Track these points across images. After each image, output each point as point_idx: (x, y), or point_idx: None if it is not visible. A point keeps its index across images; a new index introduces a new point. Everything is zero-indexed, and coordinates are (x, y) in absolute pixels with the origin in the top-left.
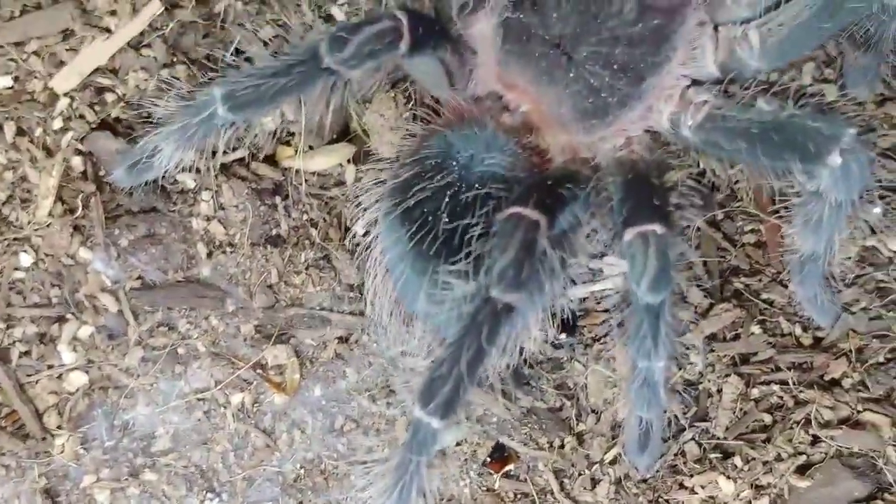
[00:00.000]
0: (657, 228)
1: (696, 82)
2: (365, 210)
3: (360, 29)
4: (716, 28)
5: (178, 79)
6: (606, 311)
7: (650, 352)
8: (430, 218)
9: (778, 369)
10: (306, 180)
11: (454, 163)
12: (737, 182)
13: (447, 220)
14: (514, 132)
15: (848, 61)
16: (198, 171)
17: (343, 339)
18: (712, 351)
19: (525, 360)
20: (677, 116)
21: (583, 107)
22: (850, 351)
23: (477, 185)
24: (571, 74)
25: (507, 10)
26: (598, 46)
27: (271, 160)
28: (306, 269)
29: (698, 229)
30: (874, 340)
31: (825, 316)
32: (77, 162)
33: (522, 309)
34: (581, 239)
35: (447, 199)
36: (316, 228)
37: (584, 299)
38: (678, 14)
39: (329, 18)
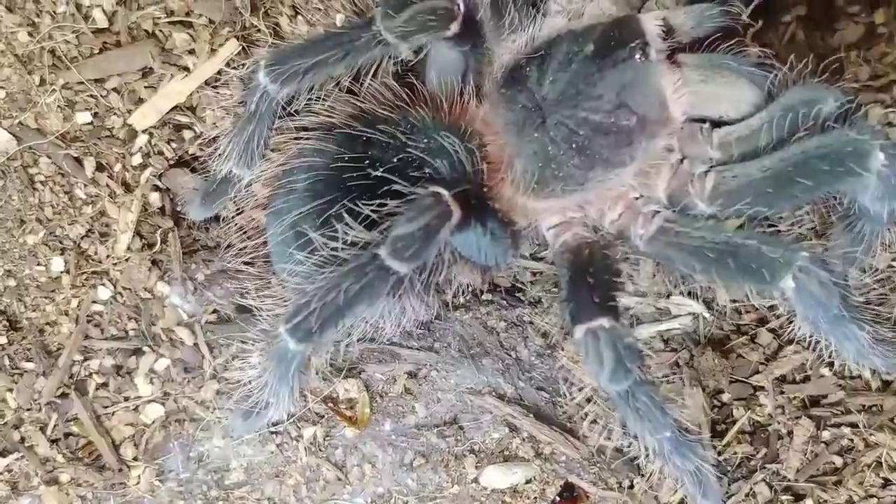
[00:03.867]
0: (604, 323)
1: (644, 196)
2: None
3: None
4: (682, 159)
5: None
6: (674, 350)
7: (647, 430)
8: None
9: (848, 412)
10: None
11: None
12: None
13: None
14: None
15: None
16: None
17: (412, 375)
18: (782, 393)
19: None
20: (625, 225)
21: (533, 168)
22: None
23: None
24: (536, 135)
25: (522, 55)
26: (567, 120)
27: None
28: None
29: None
30: None
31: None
32: (155, 198)
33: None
34: (452, 274)
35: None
36: None
37: (651, 339)
38: (650, 127)
39: None
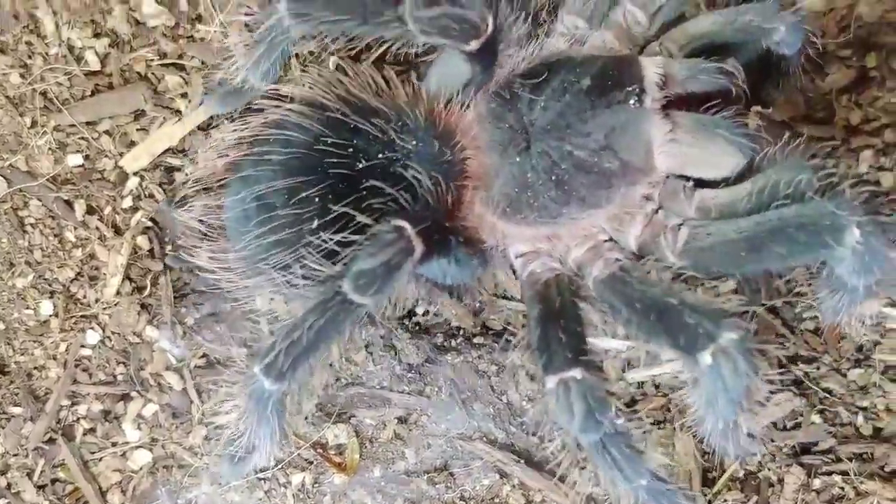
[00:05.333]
0: (577, 374)
1: (613, 240)
2: None
3: (453, 5)
4: (657, 209)
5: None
6: (664, 395)
7: (619, 479)
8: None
9: (839, 459)
10: None
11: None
12: (795, 268)
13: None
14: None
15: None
16: None
17: (402, 420)
18: (773, 440)
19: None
20: (585, 263)
21: (509, 192)
22: None
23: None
24: (518, 159)
25: (517, 72)
26: (552, 150)
27: None
28: (367, 346)
29: (756, 315)
30: None
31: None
32: (145, 240)
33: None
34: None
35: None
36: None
37: (643, 383)
38: (632, 174)
39: None
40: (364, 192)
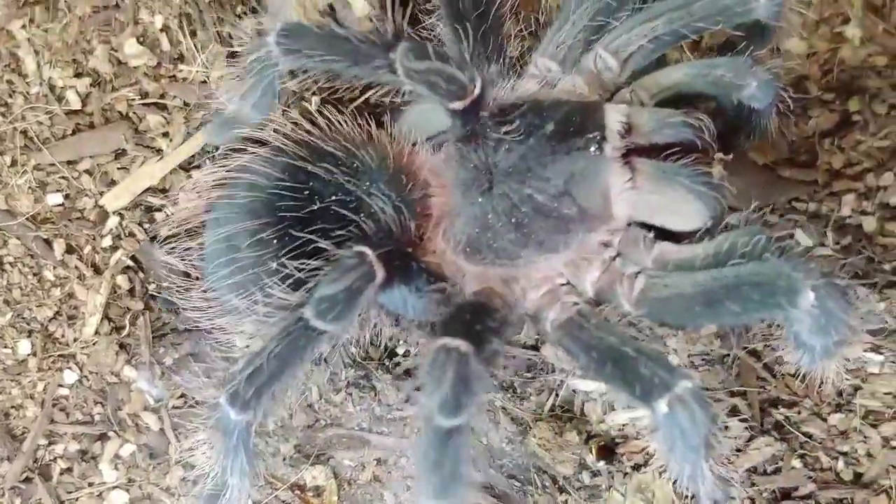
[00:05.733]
0: (462, 346)
1: (571, 284)
2: None
3: (442, 61)
4: (616, 257)
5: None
6: (646, 438)
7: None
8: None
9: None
10: None
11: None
12: (752, 323)
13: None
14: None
15: None
16: None
17: (381, 462)
18: (753, 485)
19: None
20: (542, 307)
21: (470, 232)
22: (891, 487)
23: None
24: (480, 199)
25: (486, 115)
26: (513, 193)
27: None
28: (346, 387)
29: (738, 359)
30: None
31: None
32: (125, 279)
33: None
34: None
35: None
36: (357, 347)
37: (624, 426)
38: (590, 221)
39: None
40: (318, 231)
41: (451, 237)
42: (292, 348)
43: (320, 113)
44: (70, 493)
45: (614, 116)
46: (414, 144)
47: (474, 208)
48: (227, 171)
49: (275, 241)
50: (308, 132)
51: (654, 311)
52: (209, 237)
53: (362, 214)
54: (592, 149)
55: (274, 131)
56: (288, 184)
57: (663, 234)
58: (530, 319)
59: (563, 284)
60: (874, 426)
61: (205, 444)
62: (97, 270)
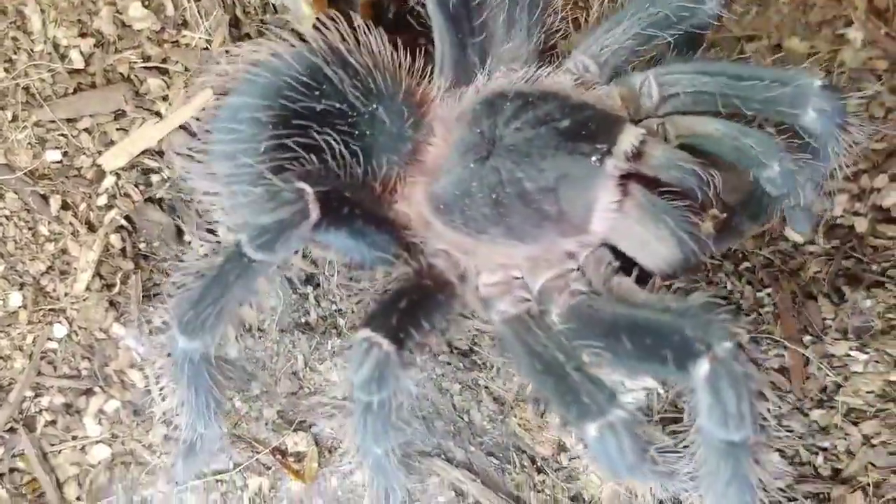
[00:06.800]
0: (384, 343)
1: (524, 280)
2: None
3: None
4: (574, 270)
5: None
6: None
7: (368, 441)
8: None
9: (794, 499)
10: (338, 271)
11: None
12: (763, 306)
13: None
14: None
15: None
16: None
17: (362, 448)
18: None
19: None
20: (492, 296)
21: (451, 192)
22: (868, 484)
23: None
24: (472, 165)
25: (514, 87)
26: (504, 170)
27: (306, 250)
28: (332, 357)
29: None
30: (892, 475)
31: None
32: (118, 239)
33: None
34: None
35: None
36: (344, 318)
37: None
38: (565, 226)
39: None
40: (305, 129)
41: (432, 191)
42: (228, 276)
43: (360, 27)
44: (53, 445)
45: (629, 138)
46: (438, 91)
47: (464, 171)
48: (264, 52)
49: (270, 127)
50: (342, 38)
51: (570, 326)
52: (224, 103)
53: (346, 141)
54: (594, 158)
55: (314, 27)
56: (303, 78)
57: (624, 262)
58: (480, 303)
59: (516, 278)
60: (855, 424)
61: (170, 385)
62: (91, 228)
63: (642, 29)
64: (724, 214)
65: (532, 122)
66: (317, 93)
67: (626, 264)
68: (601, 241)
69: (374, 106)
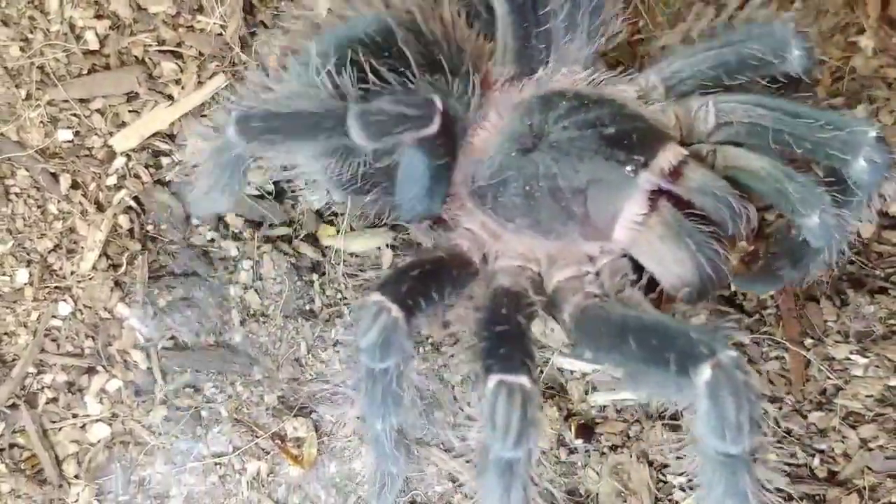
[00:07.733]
0: (393, 309)
1: (540, 277)
2: None
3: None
4: (592, 274)
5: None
6: (625, 420)
7: (375, 413)
8: None
9: (790, 499)
10: (344, 261)
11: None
12: (765, 308)
13: None
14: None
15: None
16: (242, 240)
17: (362, 418)
18: None
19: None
20: (509, 284)
21: (488, 179)
22: (864, 488)
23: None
24: (513, 155)
25: (575, 87)
26: (542, 165)
27: (313, 238)
28: (334, 345)
29: None
30: (888, 480)
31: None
32: (126, 220)
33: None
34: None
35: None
36: (348, 307)
37: (605, 407)
38: (588, 229)
39: None
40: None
41: (473, 172)
42: (315, 122)
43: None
44: (54, 422)
45: (668, 155)
46: (499, 79)
47: (505, 159)
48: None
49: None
50: (419, 6)
51: (578, 330)
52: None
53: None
54: (629, 168)
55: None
56: (376, 39)
57: (641, 278)
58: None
59: (533, 271)
60: (853, 427)
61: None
62: (100, 208)
63: (719, 65)
64: (752, 248)
65: (580, 123)
66: (384, 53)
67: (643, 280)
68: (622, 250)
69: (437, 77)
